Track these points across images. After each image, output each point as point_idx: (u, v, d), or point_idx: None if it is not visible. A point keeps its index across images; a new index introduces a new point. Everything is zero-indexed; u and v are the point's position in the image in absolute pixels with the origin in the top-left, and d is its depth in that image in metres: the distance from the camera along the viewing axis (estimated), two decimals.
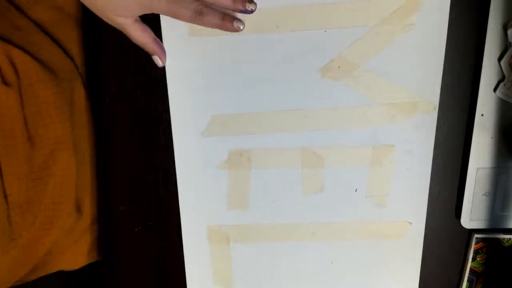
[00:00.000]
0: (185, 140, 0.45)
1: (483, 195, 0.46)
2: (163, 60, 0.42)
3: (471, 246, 0.48)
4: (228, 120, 0.44)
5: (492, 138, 0.44)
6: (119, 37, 0.40)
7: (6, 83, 0.40)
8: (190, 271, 0.49)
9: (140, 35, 0.40)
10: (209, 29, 0.40)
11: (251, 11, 0.38)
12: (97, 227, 0.51)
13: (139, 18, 0.40)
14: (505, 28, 0.40)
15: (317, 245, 0.48)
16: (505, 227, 0.47)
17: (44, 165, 0.42)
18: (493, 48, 0.41)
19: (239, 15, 0.39)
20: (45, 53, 0.43)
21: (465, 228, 0.47)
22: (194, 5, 0.37)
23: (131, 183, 0.47)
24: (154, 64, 0.42)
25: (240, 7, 0.37)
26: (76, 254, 0.51)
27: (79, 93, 0.46)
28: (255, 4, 0.38)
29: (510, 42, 0.40)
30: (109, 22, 0.39)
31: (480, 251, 0.48)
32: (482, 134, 0.44)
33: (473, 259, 0.48)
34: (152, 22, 0.42)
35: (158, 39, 0.41)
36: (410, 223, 0.47)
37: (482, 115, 0.43)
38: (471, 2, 0.41)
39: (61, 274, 0.52)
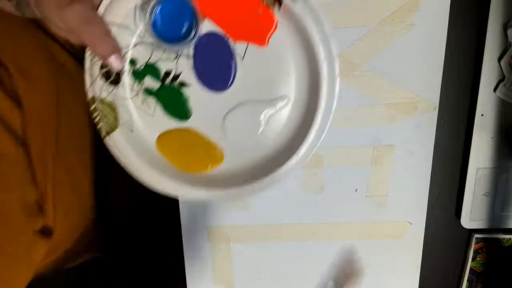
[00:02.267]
0: None
1: (483, 195, 0.46)
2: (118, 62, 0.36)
3: (471, 246, 0.48)
4: None
5: (492, 138, 0.44)
6: None
7: None
8: (190, 271, 0.49)
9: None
10: None
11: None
12: (96, 227, 0.51)
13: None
14: (505, 28, 0.40)
15: (317, 245, 0.48)
16: (505, 227, 0.47)
17: None
18: (493, 48, 0.41)
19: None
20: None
21: (465, 228, 0.47)
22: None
23: (131, 183, 0.47)
24: None
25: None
26: None
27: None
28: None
29: (510, 42, 0.40)
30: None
31: (480, 251, 0.48)
32: (482, 134, 0.44)
33: (473, 259, 0.48)
34: None
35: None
36: (410, 223, 0.47)
37: (482, 115, 0.43)
38: (471, 2, 0.41)
39: (61, 273, 0.52)
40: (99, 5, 0.35)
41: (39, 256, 0.42)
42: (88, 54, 0.37)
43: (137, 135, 0.39)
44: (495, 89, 0.42)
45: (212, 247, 0.48)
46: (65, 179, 0.45)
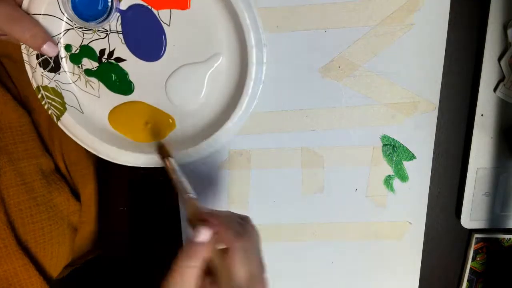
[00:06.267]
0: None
1: (483, 195, 0.46)
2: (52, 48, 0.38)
3: (471, 246, 0.48)
4: None
5: (492, 138, 0.44)
6: None
7: None
8: None
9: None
10: None
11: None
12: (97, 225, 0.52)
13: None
14: (505, 28, 0.40)
15: (317, 245, 0.48)
16: (505, 227, 0.47)
17: None
18: (493, 48, 0.41)
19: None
20: None
21: (465, 228, 0.47)
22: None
23: (131, 183, 0.47)
24: None
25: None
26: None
27: None
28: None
29: (510, 42, 0.40)
30: None
31: (480, 251, 0.48)
32: (482, 134, 0.44)
33: (473, 259, 0.48)
34: None
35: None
36: (410, 223, 0.47)
37: (482, 115, 0.43)
38: (471, 2, 0.41)
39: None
40: (22, 1, 0.37)
41: (75, 218, 0.45)
42: (23, 47, 0.39)
43: (88, 115, 0.42)
44: (495, 89, 0.42)
45: None
46: (73, 147, 0.47)
